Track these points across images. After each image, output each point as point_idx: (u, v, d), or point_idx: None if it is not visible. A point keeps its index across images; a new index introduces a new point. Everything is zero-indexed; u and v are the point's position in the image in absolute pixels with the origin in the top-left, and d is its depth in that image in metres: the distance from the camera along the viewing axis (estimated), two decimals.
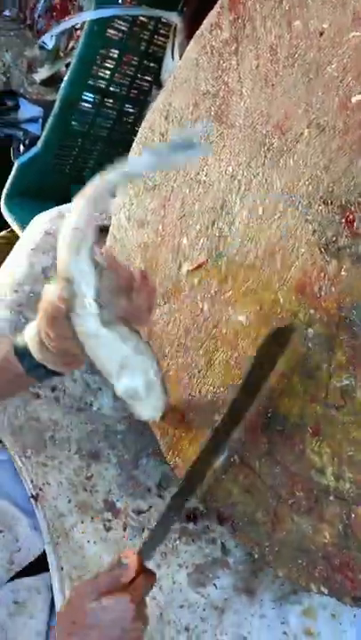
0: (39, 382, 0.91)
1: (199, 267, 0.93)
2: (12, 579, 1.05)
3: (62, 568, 1.05)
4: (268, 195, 0.85)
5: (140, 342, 0.82)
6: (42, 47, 2.13)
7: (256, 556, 0.91)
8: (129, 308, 0.79)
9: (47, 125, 1.56)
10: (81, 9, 2.04)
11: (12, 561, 1.05)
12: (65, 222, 0.78)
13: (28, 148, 1.70)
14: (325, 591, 0.84)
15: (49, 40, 2.10)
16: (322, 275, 0.80)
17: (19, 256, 1.18)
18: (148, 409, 0.87)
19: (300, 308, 0.83)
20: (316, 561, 0.84)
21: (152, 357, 0.84)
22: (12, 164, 1.59)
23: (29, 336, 0.84)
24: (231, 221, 0.90)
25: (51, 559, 1.06)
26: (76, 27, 1.78)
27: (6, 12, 2.22)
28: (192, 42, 0.92)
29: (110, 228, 1.05)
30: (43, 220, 1.20)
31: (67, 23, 1.65)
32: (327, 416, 0.81)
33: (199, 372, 0.95)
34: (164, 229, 0.98)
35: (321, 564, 0.84)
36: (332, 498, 0.82)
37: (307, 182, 0.81)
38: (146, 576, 0.86)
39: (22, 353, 0.85)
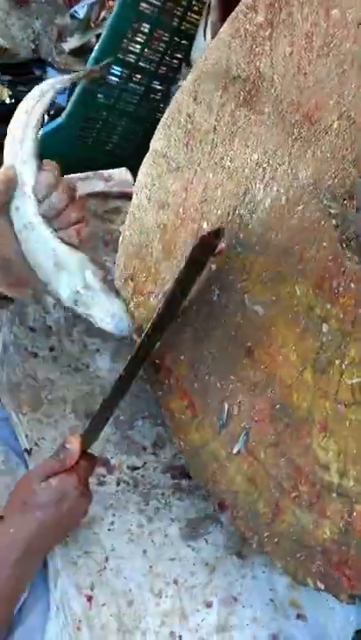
0: None
1: (218, 253, 0.92)
2: None
3: None
4: (292, 185, 0.84)
5: (72, 248, 0.88)
6: (73, 16, 2.11)
7: (254, 546, 0.91)
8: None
9: (73, 96, 1.55)
10: None
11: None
12: (13, 119, 0.87)
13: (52, 119, 1.68)
14: (322, 587, 0.84)
15: (81, 9, 2.08)
16: (341, 270, 0.79)
17: None
18: (105, 315, 0.91)
19: (316, 302, 0.82)
20: (315, 556, 0.84)
21: (86, 258, 0.89)
22: None
23: None
24: (253, 209, 0.89)
25: None
26: None
27: None
28: (226, 23, 0.90)
29: (130, 208, 1.05)
30: None
31: None
32: (336, 413, 0.81)
33: (212, 359, 0.95)
34: (184, 212, 0.97)
35: (319, 559, 0.84)
36: (334, 494, 0.82)
37: (333, 175, 0.80)
38: (87, 459, 0.98)
39: None
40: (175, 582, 1.01)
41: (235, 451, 0.92)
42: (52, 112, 1.75)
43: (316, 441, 0.83)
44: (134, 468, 1.17)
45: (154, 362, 1.03)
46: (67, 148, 1.61)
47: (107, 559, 1.03)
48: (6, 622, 0.94)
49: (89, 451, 1.00)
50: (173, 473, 1.17)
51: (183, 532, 1.07)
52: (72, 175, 1.19)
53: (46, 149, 1.55)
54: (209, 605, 1.00)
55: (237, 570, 1.04)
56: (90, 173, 1.20)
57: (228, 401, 0.93)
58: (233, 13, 0.89)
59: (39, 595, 0.99)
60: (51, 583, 1.00)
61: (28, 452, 1.12)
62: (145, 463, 1.18)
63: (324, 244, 0.81)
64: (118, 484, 1.14)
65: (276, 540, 0.89)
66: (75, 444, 0.95)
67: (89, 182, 1.19)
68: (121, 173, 1.23)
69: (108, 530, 1.07)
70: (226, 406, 0.93)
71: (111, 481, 1.14)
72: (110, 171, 1.23)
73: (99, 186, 1.19)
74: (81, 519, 1.01)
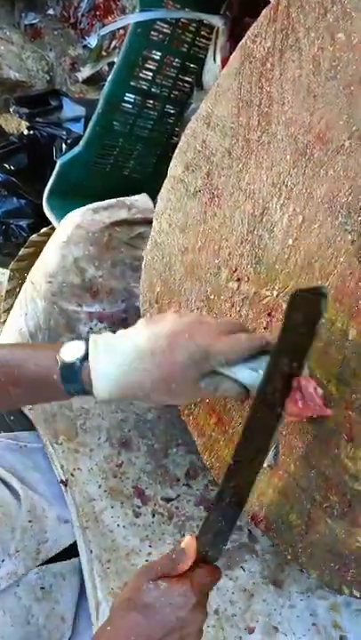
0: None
1: (238, 272, 0.95)
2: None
3: (91, 551, 1.07)
4: (308, 204, 0.87)
5: None
6: (85, 46, 2.16)
7: (289, 557, 0.93)
8: None
9: (90, 125, 1.58)
10: (124, 9, 2.08)
11: (39, 551, 1.08)
12: None
13: (70, 148, 1.72)
14: (358, 594, 0.85)
15: (92, 39, 2.13)
16: (360, 284, 0.81)
17: (52, 248, 1.22)
18: None
19: (337, 317, 0.84)
20: (349, 564, 0.86)
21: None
22: (55, 163, 1.62)
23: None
24: (271, 229, 0.91)
25: (80, 543, 1.09)
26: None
27: (50, 11, 2.26)
28: (235, 51, 0.93)
29: (151, 233, 1.08)
30: (75, 215, 1.23)
31: (112, 26, 1.67)
32: None
33: None
34: (204, 234, 1.00)
35: (353, 567, 0.85)
36: None
37: (347, 193, 0.82)
38: (209, 569, 0.83)
39: (72, 375, 0.86)
40: (216, 612, 1.03)
41: (265, 464, 0.94)
42: (69, 141, 1.79)
43: (344, 452, 0.85)
44: (168, 500, 1.18)
45: None
46: (85, 175, 1.65)
47: None
48: None
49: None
50: (207, 506, 1.18)
51: (220, 563, 1.08)
52: (96, 204, 1.22)
53: (66, 177, 1.61)
54: (251, 631, 1.01)
55: (275, 600, 1.04)
56: (112, 201, 1.23)
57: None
58: (242, 41, 0.93)
59: (81, 629, 1.01)
60: (93, 615, 1.01)
61: (64, 483, 1.14)
62: (178, 495, 1.19)
63: (342, 259, 0.83)
64: (153, 515, 1.16)
65: (310, 550, 0.90)
66: (190, 547, 0.82)
67: (112, 211, 1.21)
68: (142, 200, 1.25)
69: (146, 561, 1.09)
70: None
71: (146, 512, 1.16)
72: (132, 198, 1.26)
73: (122, 214, 1.22)
74: (197, 637, 0.81)
